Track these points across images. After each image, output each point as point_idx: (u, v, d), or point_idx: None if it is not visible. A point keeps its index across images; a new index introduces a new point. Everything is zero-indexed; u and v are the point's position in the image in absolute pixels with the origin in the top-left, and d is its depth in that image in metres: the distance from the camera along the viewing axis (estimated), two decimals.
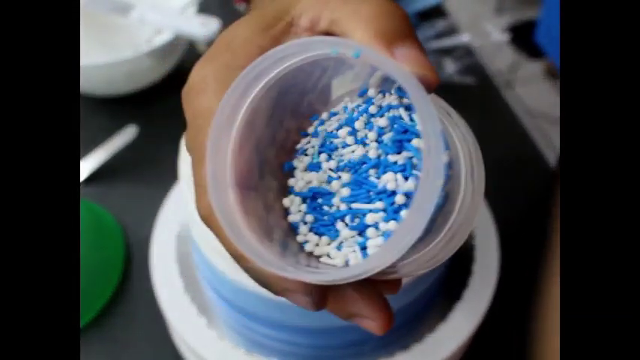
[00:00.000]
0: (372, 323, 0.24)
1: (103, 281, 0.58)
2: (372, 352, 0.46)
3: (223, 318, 0.47)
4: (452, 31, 0.86)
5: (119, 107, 0.76)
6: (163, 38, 0.73)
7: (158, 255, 0.52)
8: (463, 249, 0.51)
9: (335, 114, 0.28)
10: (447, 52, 0.83)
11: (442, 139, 0.21)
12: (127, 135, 0.70)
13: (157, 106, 0.76)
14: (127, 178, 0.68)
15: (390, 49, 0.24)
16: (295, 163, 0.28)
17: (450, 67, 0.81)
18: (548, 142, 1.54)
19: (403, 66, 0.24)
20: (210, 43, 0.79)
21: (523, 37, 1.97)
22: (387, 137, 0.25)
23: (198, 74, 0.27)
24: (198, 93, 0.26)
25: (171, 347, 0.53)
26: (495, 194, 0.65)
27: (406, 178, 0.24)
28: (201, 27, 0.70)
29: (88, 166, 0.67)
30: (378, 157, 0.25)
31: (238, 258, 0.25)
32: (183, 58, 0.78)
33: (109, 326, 0.56)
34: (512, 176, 0.67)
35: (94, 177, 0.68)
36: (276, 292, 0.25)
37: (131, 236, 0.62)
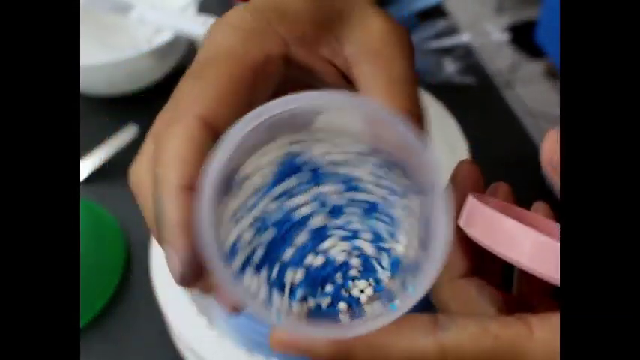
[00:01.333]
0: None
1: (103, 281, 0.58)
2: None
3: (223, 318, 0.47)
4: (452, 31, 0.86)
5: (119, 107, 0.76)
6: (163, 38, 0.73)
7: (158, 255, 0.52)
8: None
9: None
10: (447, 52, 0.83)
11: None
12: (127, 135, 0.70)
13: (157, 106, 0.75)
14: (127, 178, 0.68)
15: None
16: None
17: (450, 67, 0.81)
18: None
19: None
20: None
21: (523, 37, 1.97)
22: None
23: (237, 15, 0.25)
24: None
25: (172, 347, 0.53)
26: None
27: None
28: (201, 27, 0.70)
29: (88, 165, 0.67)
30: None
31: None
32: (183, 58, 0.78)
33: (109, 326, 0.56)
34: (512, 176, 0.67)
35: (94, 177, 0.68)
36: (158, 238, 0.23)
37: (131, 236, 0.62)
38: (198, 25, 0.70)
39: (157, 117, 0.25)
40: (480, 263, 0.27)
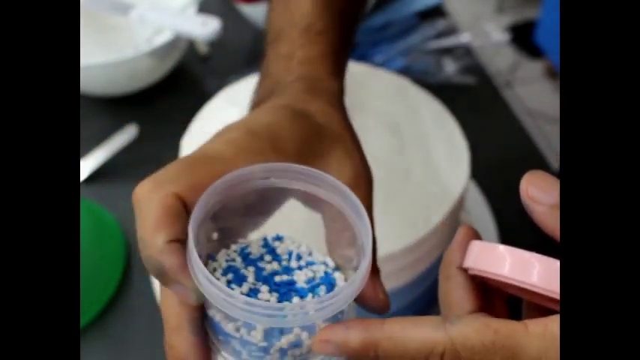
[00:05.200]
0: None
1: (103, 281, 0.58)
2: None
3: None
4: (452, 31, 0.86)
5: (119, 107, 0.76)
6: (163, 38, 0.73)
7: None
8: None
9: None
10: (447, 52, 0.83)
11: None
12: (127, 135, 0.70)
13: (157, 106, 0.76)
14: (127, 178, 0.68)
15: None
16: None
17: (450, 67, 0.81)
18: (548, 142, 1.54)
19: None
20: (210, 43, 0.79)
21: (523, 37, 1.97)
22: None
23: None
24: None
25: None
26: (495, 194, 0.65)
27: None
28: (201, 27, 0.70)
29: (88, 165, 0.68)
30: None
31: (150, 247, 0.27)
32: (183, 58, 0.78)
33: (109, 326, 0.56)
34: (512, 176, 0.67)
35: (94, 177, 0.68)
36: (164, 283, 0.27)
37: (131, 236, 0.62)
38: (198, 25, 0.70)
39: (142, 182, 0.29)
40: (487, 304, 0.29)
